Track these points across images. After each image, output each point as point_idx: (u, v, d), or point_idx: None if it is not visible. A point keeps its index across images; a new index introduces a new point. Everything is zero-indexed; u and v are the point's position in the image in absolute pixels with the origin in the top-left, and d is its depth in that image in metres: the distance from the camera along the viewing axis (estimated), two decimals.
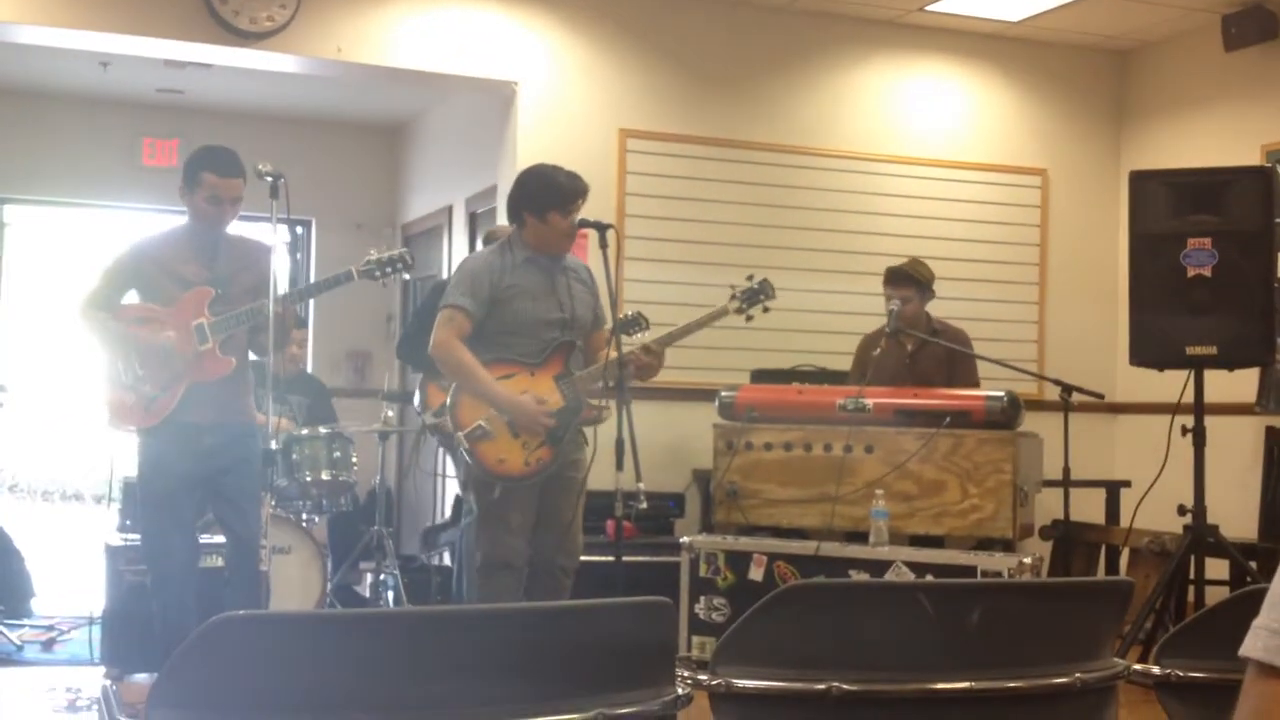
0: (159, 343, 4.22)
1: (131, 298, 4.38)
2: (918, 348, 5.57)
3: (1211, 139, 7.18)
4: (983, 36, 7.49)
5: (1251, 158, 6.82)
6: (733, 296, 4.66)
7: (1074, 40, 7.61)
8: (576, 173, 4.42)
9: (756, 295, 4.66)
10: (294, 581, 5.32)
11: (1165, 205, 5.24)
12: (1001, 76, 7.61)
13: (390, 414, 6.41)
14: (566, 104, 6.81)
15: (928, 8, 7.13)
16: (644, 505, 4.08)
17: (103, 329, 4.28)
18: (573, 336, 4.37)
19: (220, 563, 4.57)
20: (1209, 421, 5.24)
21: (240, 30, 6.29)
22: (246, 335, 4.32)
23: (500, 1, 6.75)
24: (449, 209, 8.33)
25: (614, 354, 4.14)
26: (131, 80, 8.34)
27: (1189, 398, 5.28)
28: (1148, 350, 5.27)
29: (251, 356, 4.45)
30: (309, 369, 7.18)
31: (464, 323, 4.26)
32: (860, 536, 5.02)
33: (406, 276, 4.63)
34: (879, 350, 5.40)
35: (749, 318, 4.66)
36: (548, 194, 4.30)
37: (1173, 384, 5.41)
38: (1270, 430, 6.55)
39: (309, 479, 5.60)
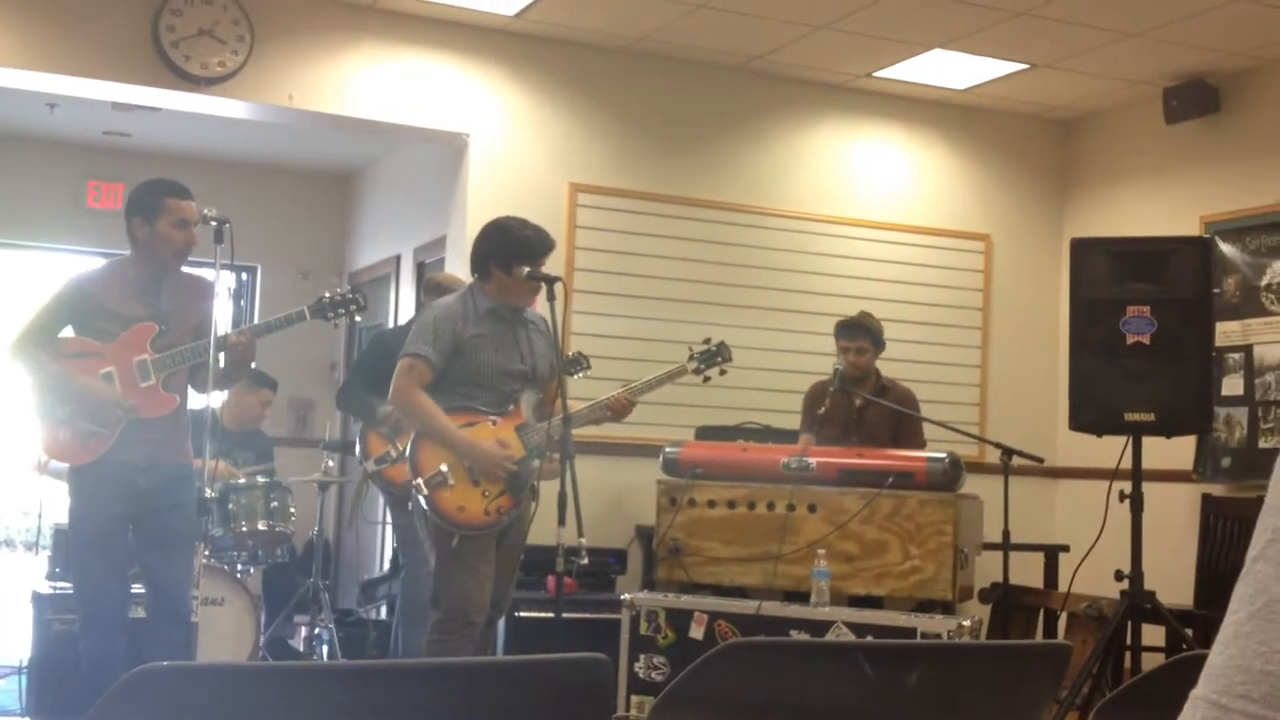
0: (98, 379, 4.15)
1: (69, 334, 4.30)
2: (865, 404, 5.60)
3: (1152, 209, 7.31)
4: (929, 103, 7.60)
5: (1191, 228, 6.96)
6: (690, 357, 4.73)
7: (1018, 109, 7.74)
8: (543, 227, 4.44)
9: (714, 357, 4.77)
10: (226, 634, 5.23)
11: (1106, 272, 5.31)
12: (947, 143, 7.72)
13: (331, 464, 6.34)
14: (517, 156, 6.83)
15: (875, 74, 7.24)
16: (585, 560, 4.07)
17: (37, 365, 4.20)
18: (534, 388, 4.38)
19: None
20: (1147, 488, 5.29)
21: (190, 75, 6.26)
22: (188, 373, 4.26)
23: (453, 53, 6.77)
24: (396, 258, 8.31)
25: (564, 404, 4.14)
26: (78, 122, 8.28)
27: (1127, 463, 5.33)
28: (1087, 416, 5.32)
29: (192, 396, 4.38)
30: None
31: (425, 371, 4.25)
32: (802, 596, 5.02)
33: (358, 318, 4.61)
34: (825, 406, 5.41)
35: (706, 379, 4.77)
36: (516, 248, 4.31)
37: (1112, 449, 5.46)
38: (1206, 498, 6.63)
39: (245, 528, 5.51)
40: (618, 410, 4.53)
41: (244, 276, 9.18)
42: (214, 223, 4.09)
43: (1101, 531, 5.22)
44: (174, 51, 6.21)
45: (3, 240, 9.01)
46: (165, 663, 1.30)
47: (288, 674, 1.57)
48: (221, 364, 4.21)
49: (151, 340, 4.19)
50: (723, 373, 4.85)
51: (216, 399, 4.40)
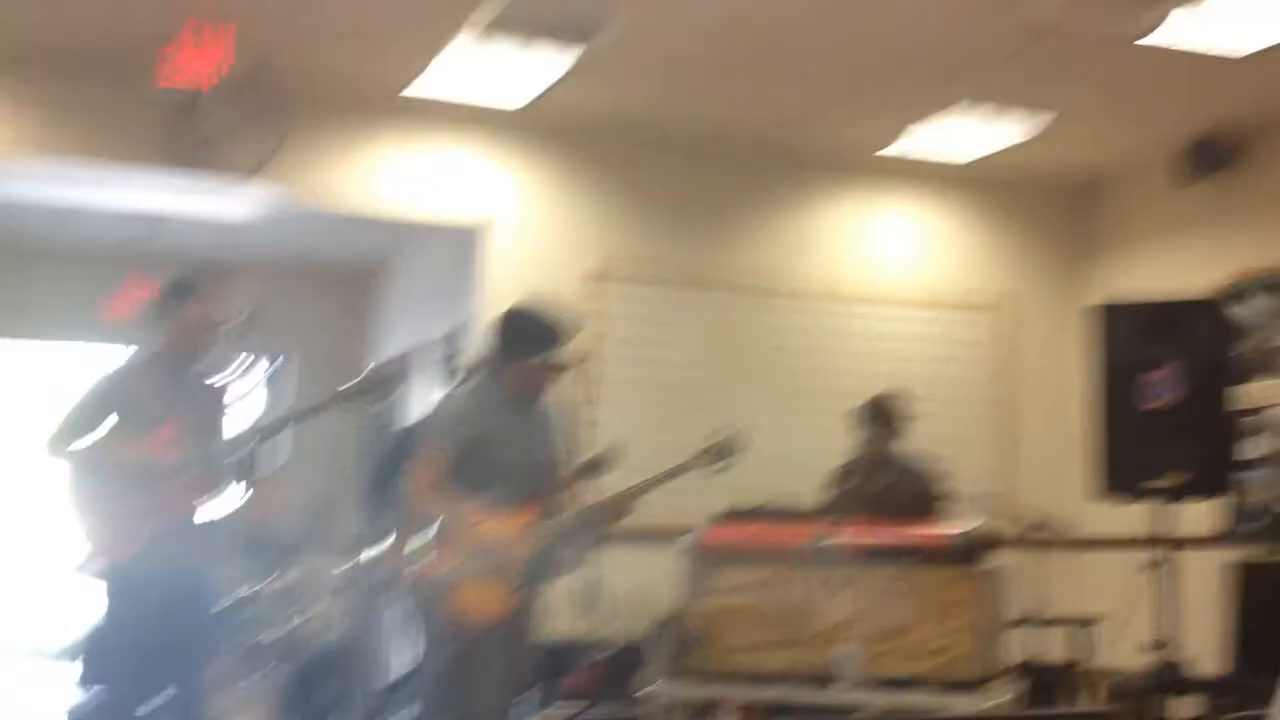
0: (131, 475, 4.18)
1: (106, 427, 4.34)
2: (890, 482, 5.57)
3: (1171, 271, 7.27)
4: (939, 176, 7.64)
5: (1212, 288, 6.91)
6: (704, 450, 4.68)
7: (1028, 177, 7.76)
8: (560, 312, 4.40)
9: (724, 449, 4.71)
10: None
11: (1127, 336, 5.30)
12: (959, 214, 7.75)
13: (349, 566, 6.30)
14: (535, 244, 6.90)
15: (883, 151, 7.28)
16: (608, 653, 4.01)
17: (76, 459, 4.23)
18: (549, 481, 4.34)
19: None
20: (1177, 555, 5.22)
21: (213, 173, 6.33)
22: (217, 471, 4.29)
23: (471, 144, 6.86)
24: (420, 350, 8.33)
25: (584, 498, 4.10)
26: (100, 231, 8.39)
27: (1155, 529, 5.27)
28: (1113, 482, 5.28)
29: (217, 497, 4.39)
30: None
31: (440, 464, 4.21)
32: (831, 679, 4.94)
33: (385, 404, 4.61)
34: (850, 485, 5.38)
35: (717, 472, 4.71)
36: (533, 338, 4.27)
37: (1138, 517, 5.40)
38: (1239, 563, 6.53)
39: (262, 637, 5.48)
40: (615, 512, 4.40)
41: (271, 371, 9.19)
42: (244, 314, 4.15)
43: (1133, 602, 5.16)
44: (201, 148, 6.25)
45: (27, 336, 9.10)
46: None
47: None
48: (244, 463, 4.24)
49: (182, 437, 4.22)
50: (731, 465, 4.77)
51: (234, 502, 4.41)
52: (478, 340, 6.78)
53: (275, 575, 5.91)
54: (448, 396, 4.56)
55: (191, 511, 4.26)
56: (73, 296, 8.88)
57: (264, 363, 4.63)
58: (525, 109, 6.75)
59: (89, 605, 4.80)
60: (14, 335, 9.02)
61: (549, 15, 5.72)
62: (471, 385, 4.45)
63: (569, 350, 4.33)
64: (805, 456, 6.75)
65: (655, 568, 6.19)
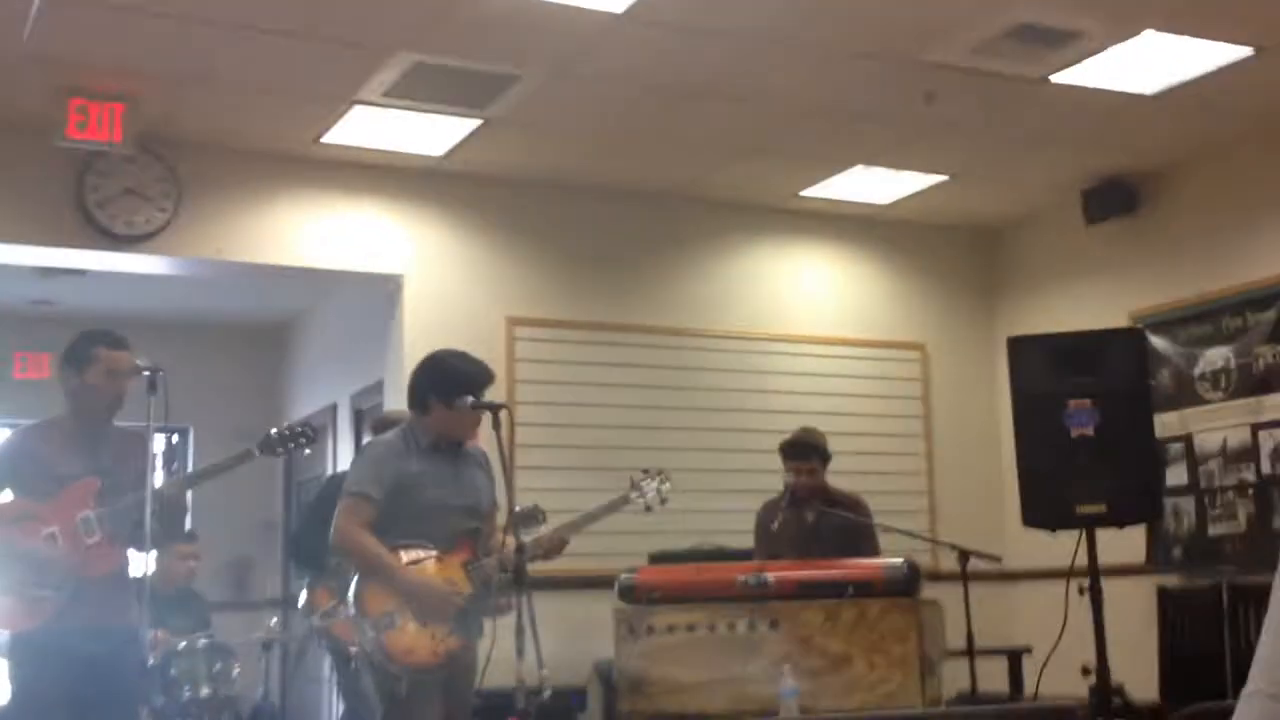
0: (40, 540, 4.01)
1: (5, 496, 4.16)
2: (817, 517, 5.56)
3: (1080, 308, 7.43)
4: (856, 219, 7.74)
5: (1120, 324, 7.06)
6: (632, 487, 4.66)
7: (942, 220, 7.90)
8: (481, 359, 4.39)
9: (655, 487, 4.68)
10: None
11: (1044, 368, 5.34)
12: (877, 256, 7.85)
13: (274, 622, 6.14)
14: (452, 294, 6.84)
15: (802, 193, 7.36)
16: (548, 695, 3.92)
17: None
18: (477, 523, 4.28)
19: None
20: (1103, 582, 5.26)
21: (117, 235, 6.23)
22: (129, 530, 4.12)
23: (383, 197, 6.81)
24: (333, 407, 8.22)
25: (512, 540, 4.04)
26: (2, 292, 8.18)
27: (1081, 559, 5.30)
28: (1039, 512, 5.30)
29: (131, 555, 4.23)
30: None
31: (367, 510, 4.13)
32: (771, 715, 4.89)
33: (308, 451, 4.51)
34: (778, 523, 5.36)
35: (648, 508, 4.68)
36: (456, 380, 4.25)
37: (1064, 547, 5.44)
38: (1162, 590, 6.63)
39: (188, 695, 5.31)
40: (549, 549, 4.38)
41: (174, 438, 9.00)
42: (147, 372, 4.01)
43: (1063, 630, 5.17)
44: (100, 212, 6.18)
45: None
46: None
47: None
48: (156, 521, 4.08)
49: (94, 495, 4.07)
50: (664, 502, 4.75)
51: (149, 561, 4.25)
52: (396, 390, 6.71)
53: (199, 632, 5.72)
54: (372, 443, 4.48)
55: (105, 572, 4.10)
56: None
57: (179, 422, 4.50)
58: (436, 162, 6.72)
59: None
60: None
61: (449, 80, 5.74)
62: (395, 432, 4.38)
63: (490, 395, 4.32)
64: (730, 498, 6.74)
65: (588, 613, 6.13)
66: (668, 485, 4.70)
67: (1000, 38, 5.49)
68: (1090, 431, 5.22)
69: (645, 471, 4.73)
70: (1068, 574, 5.22)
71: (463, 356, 4.37)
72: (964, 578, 5.34)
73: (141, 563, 4.17)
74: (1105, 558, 5.40)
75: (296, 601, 5.72)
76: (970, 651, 5.32)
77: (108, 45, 5.38)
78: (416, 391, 4.33)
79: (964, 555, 5.38)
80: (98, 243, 6.23)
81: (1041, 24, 5.40)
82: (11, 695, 4.13)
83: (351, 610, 4.12)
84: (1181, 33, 5.50)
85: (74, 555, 4.02)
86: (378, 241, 6.78)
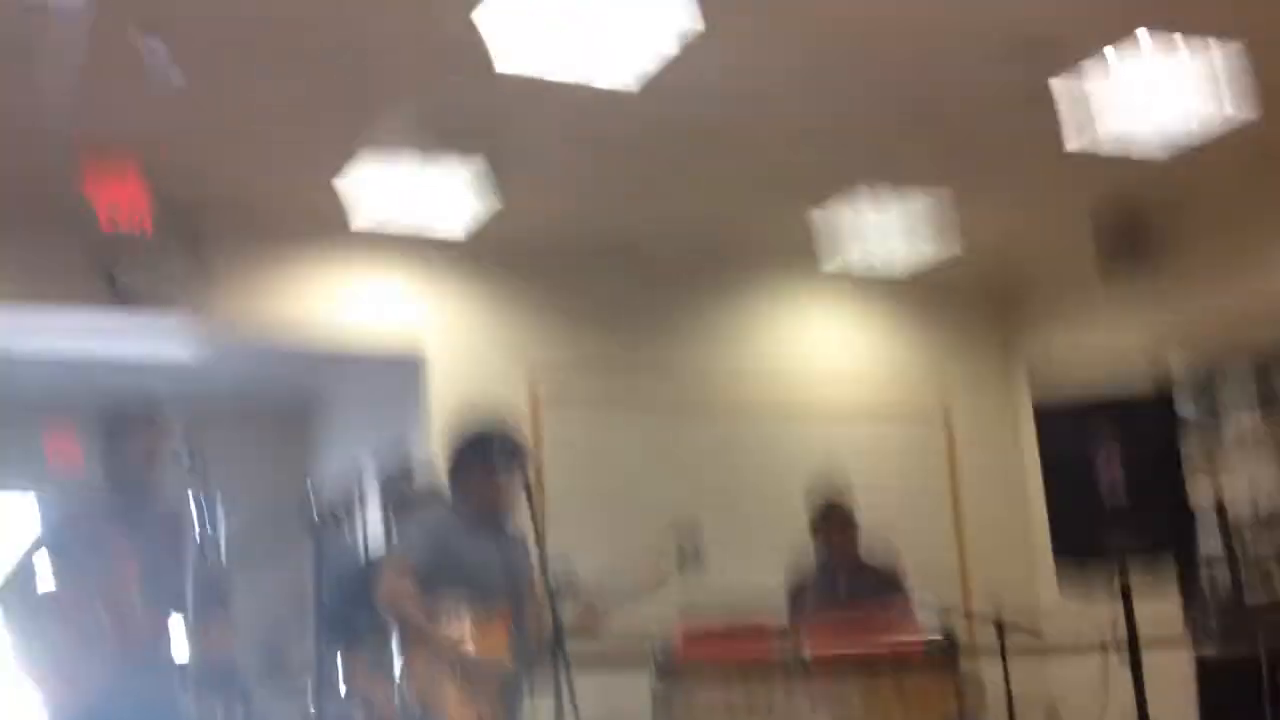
0: (84, 614, 4.01)
1: (48, 568, 4.17)
2: (850, 586, 5.52)
3: (1104, 364, 7.35)
4: (875, 286, 7.76)
5: (1146, 384, 6.99)
6: (669, 560, 4.67)
7: (961, 286, 7.90)
8: (514, 427, 4.42)
9: (692, 558, 4.70)
10: None
11: (1071, 433, 5.32)
12: (897, 323, 7.89)
13: (307, 692, 6.09)
14: (477, 367, 6.86)
15: (821, 263, 7.39)
16: None
17: (19, 611, 4.06)
18: (517, 594, 4.28)
19: None
20: (1138, 651, 5.19)
21: (145, 317, 6.25)
22: (171, 604, 4.13)
23: (405, 274, 6.86)
24: (361, 483, 8.19)
25: (554, 612, 4.05)
26: (32, 374, 8.21)
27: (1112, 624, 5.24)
28: (1074, 579, 5.25)
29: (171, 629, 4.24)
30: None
31: (411, 580, 4.15)
32: None
33: (345, 526, 4.52)
34: (811, 591, 5.34)
35: (686, 575, 4.69)
36: (495, 453, 4.29)
37: (1098, 616, 5.39)
38: (1201, 662, 6.53)
39: None
40: (588, 626, 4.41)
41: (205, 520, 8.97)
42: (183, 451, 4.04)
43: (1105, 704, 5.10)
44: (124, 292, 6.21)
45: None
46: None
47: None
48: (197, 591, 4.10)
49: (137, 572, 4.08)
50: (701, 568, 4.75)
51: (189, 638, 4.25)
52: (427, 464, 6.72)
53: (238, 709, 5.68)
54: (420, 512, 4.51)
55: (147, 649, 4.11)
56: (10, 444, 8.65)
57: (211, 497, 4.50)
58: (457, 235, 6.78)
59: None
60: None
61: (464, 150, 5.80)
62: (436, 502, 4.41)
63: (527, 465, 4.34)
64: (761, 568, 6.70)
65: (626, 688, 6.07)
66: (702, 557, 4.71)
67: (1015, 96, 5.52)
68: (1122, 494, 5.18)
69: (681, 543, 4.73)
70: (1104, 645, 5.17)
71: (501, 428, 4.40)
72: (1003, 651, 5.28)
73: (182, 636, 4.18)
74: (1142, 630, 5.35)
75: (329, 672, 5.68)
76: None
77: (133, 126, 5.45)
78: (453, 461, 4.37)
79: (1001, 627, 5.32)
80: (120, 327, 6.27)
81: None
82: None
83: (395, 677, 4.12)
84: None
85: (116, 629, 4.03)
86: (400, 320, 6.82)
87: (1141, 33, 5.30)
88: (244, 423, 9.21)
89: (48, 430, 8.67)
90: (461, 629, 4.17)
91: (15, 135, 5.56)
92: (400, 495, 5.76)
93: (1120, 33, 5.26)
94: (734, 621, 6.23)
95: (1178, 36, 5.26)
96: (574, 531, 6.60)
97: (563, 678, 3.92)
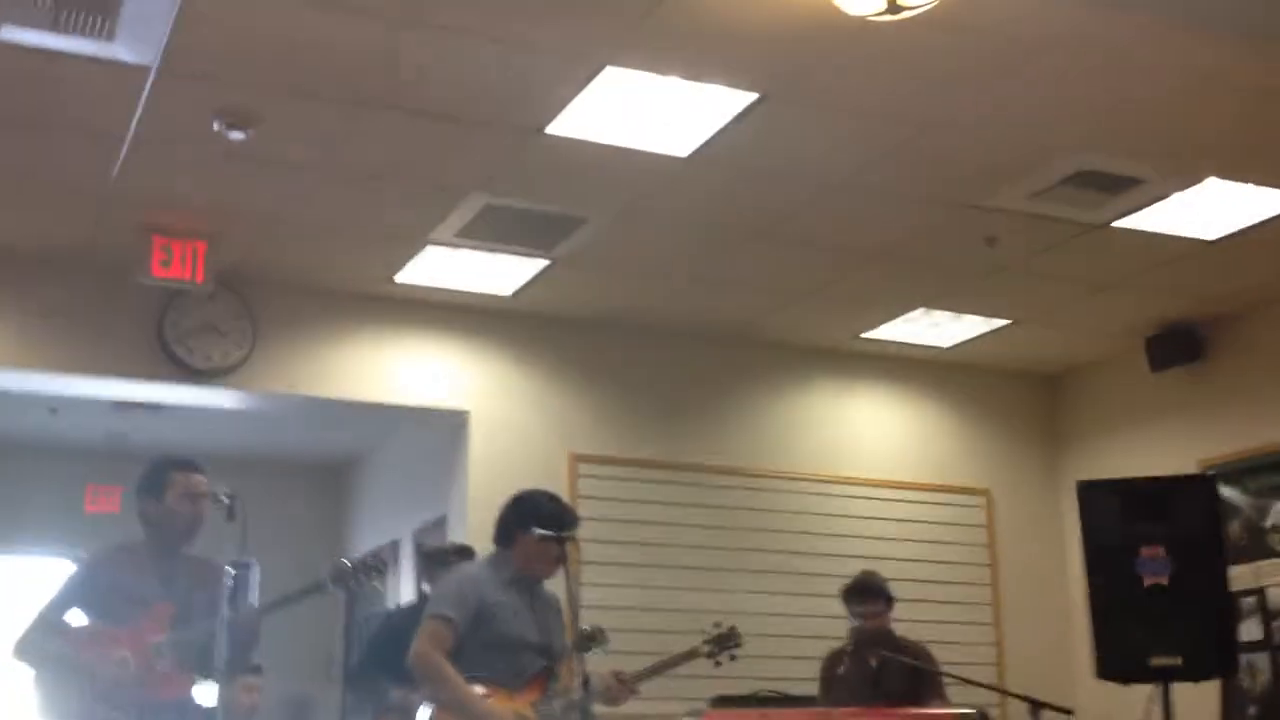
0: (113, 663, 4.02)
1: (78, 617, 4.19)
2: (882, 664, 5.46)
3: (1147, 455, 7.32)
4: (917, 362, 7.75)
5: (1189, 473, 6.96)
6: (704, 641, 4.70)
7: (1005, 364, 7.89)
8: (567, 503, 4.49)
9: (726, 641, 4.74)
10: None
11: (1114, 514, 5.29)
12: (939, 399, 7.84)
13: None
14: (517, 431, 6.90)
15: (862, 335, 7.40)
16: None
17: (44, 656, 4.07)
18: (549, 662, 4.28)
19: None
20: None
21: (194, 369, 6.36)
22: (198, 658, 4.12)
23: (450, 334, 6.92)
24: (396, 543, 8.25)
25: (584, 676, 4.03)
26: (78, 426, 8.34)
27: (1155, 713, 5.16)
28: (1113, 664, 5.20)
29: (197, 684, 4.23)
30: None
31: (447, 635, 4.15)
32: None
33: (378, 586, 4.53)
34: (843, 668, 5.28)
35: (718, 663, 4.70)
36: (545, 518, 4.30)
37: (1133, 700, 5.31)
38: None
39: None
40: (616, 696, 4.39)
41: (238, 572, 9.00)
42: (225, 498, 4.07)
43: None
44: (178, 347, 6.33)
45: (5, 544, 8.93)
46: None
47: None
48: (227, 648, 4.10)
49: (167, 621, 4.09)
50: (733, 658, 4.79)
51: (219, 692, 4.24)
52: (459, 526, 6.74)
53: None
54: (458, 569, 4.54)
55: (175, 698, 4.11)
56: (50, 494, 8.75)
57: (248, 548, 4.52)
58: (504, 301, 6.86)
59: None
60: None
61: (520, 221, 5.89)
62: (479, 561, 4.43)
63: (573, 532, 4.36)
64: (792, 642, 6.65)
65: None
66: (738, 642, 4.73)
67: (1060, 184, 5.57)
68: (1164, 580, 5.13)
69: (717, 625, 4.75)
70: None
71: (551, 497, 4.46)
72: None
73: (209, 692, 4.17)
74: (1178, 716, 5.26)
75: None
76: None
77: (192, 186, 5.57)
78: (503, 524, 4.40)
79: (1035, 707, 5.24)
80: (175, 377, 6.38)
81: (1101, 170, 5.47)
82: None
83: None
84: (1243, 180, 5.55)
85: (144, 679, 4.03)
86: (445, 378, 6.88)
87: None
88: (284, 475, 9.29)
89: (87, 482, 8.78)
90: (491, 691, 4.16)
91: (76, 201, 5.70)
92: (434, 553, 5.78)
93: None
94: (760, 692, 6.19)
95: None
96: (607, 596, 6.59)
97: None
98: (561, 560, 4.30)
